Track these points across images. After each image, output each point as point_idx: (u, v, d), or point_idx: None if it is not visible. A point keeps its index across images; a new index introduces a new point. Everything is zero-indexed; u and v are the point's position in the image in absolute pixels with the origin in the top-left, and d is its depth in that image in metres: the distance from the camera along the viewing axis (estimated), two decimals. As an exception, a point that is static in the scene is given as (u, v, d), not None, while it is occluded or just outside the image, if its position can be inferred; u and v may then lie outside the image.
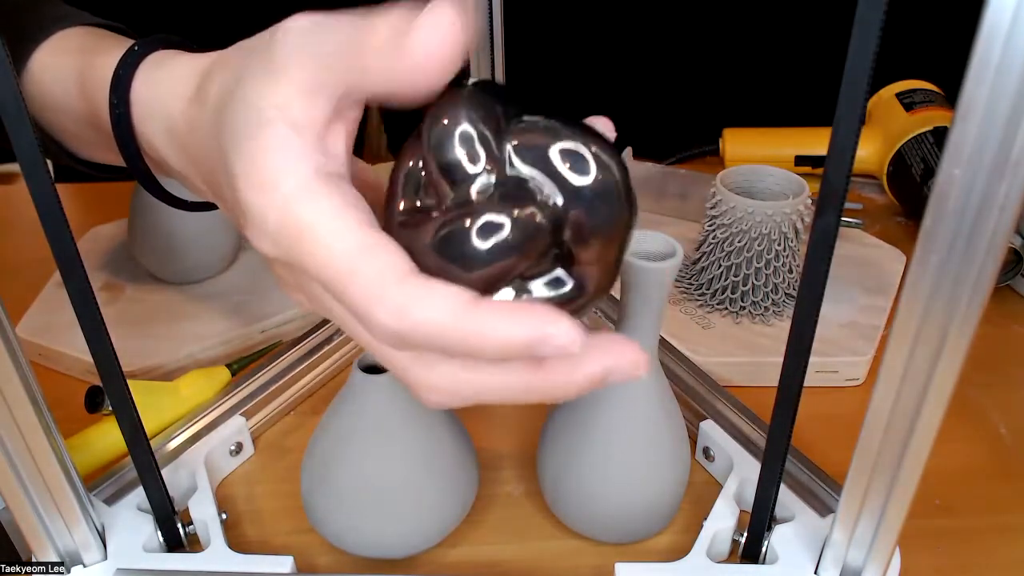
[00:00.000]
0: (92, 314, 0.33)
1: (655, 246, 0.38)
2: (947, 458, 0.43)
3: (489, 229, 0.25)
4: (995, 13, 0.22)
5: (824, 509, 0.41)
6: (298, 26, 0.26)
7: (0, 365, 0.31)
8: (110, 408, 0.37)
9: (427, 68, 0.24)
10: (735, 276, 0.56)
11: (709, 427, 0.47)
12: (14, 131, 0.28)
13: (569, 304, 0.27)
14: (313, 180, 0.25)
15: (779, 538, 0.39)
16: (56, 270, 0.32)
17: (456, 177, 0.25)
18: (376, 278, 0.24)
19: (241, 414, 0.48)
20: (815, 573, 0.37)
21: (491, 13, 0.55)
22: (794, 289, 0.57)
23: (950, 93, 0.77)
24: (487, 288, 0.25)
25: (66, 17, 0.39)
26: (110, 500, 0.41)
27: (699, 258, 0.59)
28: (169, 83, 0.32)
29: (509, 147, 0.26)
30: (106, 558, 0.38)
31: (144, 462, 0.38)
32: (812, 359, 0.32)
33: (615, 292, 0.34)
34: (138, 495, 0.41)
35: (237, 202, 0.27)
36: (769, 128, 0.81)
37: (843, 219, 0.43)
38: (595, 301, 0.27)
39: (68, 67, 0.37)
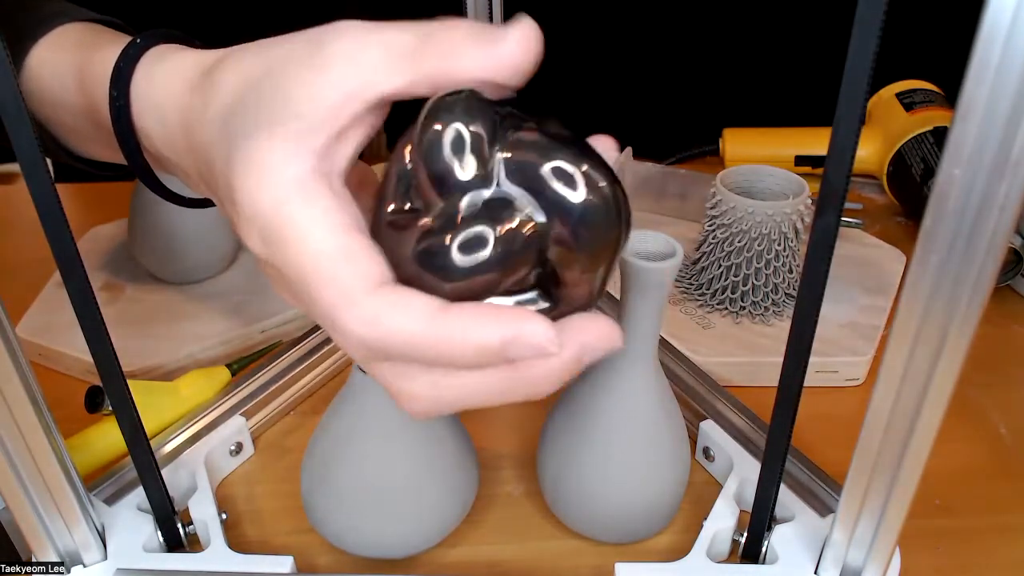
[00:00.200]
0: (92, 314, 0.33)
1: (655, 246, 0.38)
2: (947, 458, 0.43)
3: (472, 244, 0.24)
4: (995, 13, 0.22)
5: (824, 509, 0.41)
6: (353, 26, 0.27)
7: (0, 365, 0.31)
8: (110, 408, 0.37)
9: (524, 51, 0.25)
10: (735, 276, 0.56)
11: (709, 427, 0.47)
12: (14, 131, 0.28)
13: (544, 313, 0.26)
14: (308, 179, 0.25)
15: (779, 538, 0.39)
16: (56, 270, 0.32)
17: (443, 187, 0.25)
18: (350, 284, 0.24)
19: (241, 414, 0.48)
20: (815, 573, 0.37)
21: (491, 13, 0.55)
22: (794, 289, 0.57)
23: (950, 93, 0.77)
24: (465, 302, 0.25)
25: (64, 13, 0.39)
26: (110, 500, 0.41)
27: (699, 258, 0.59)
28: (170, 76, 0.32)
29: (500, 160, 0.25)
30: (106, 558, 0.38)
31: (144, 462, 0.38)
32: (812, 359, 0.32)
33: (615, 292, 0.34)
34: (138, 495, 0.41)
35: (231, 196, 0.26)
36: (769, 128, 0.81)
37: (843, 219, 0.43)
38: (573, 313, 0.27)
39: (67, 62, 0.37)
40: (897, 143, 0.72)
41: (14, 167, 0.32)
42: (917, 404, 0.29)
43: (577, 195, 0.25)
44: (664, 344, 0.53)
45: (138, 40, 0.34)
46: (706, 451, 0.47)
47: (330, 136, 0.26)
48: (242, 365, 0.52)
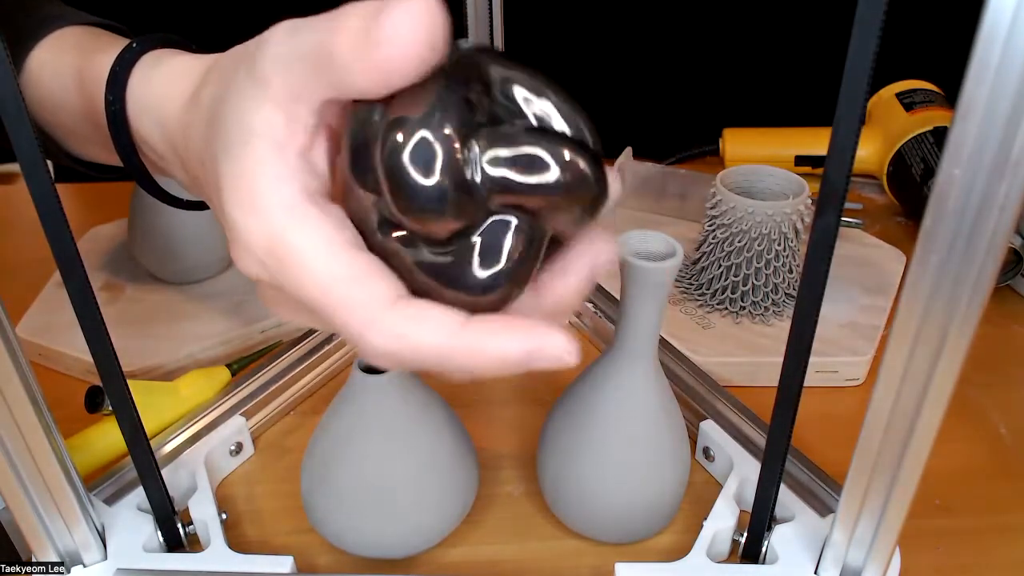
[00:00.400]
0: (92, 314, 0.33)
1: (655, 246, 0.38)
2: (947, 458, 0.43)
3: (472, 252, 0.24)
4: (995, 13, 0.22)
5: (824, 509, 0.41)
6: (278, 33, 0.25)
7: (0, 365, 0.31)
8: (110, 408, 0.37)
9: (401, 59, 0.22)
10: (735, 276, 0.56)
11: (709, 427, 0.47)
12: (14, 131, 0.28)
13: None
14: (300, 203, 0.25)
15: (779, 538, 0.39)
16: (56, 270, 0.32)
17: (415, 203, 0.23)
18: (367, 305, 0.24)
19: (241, 414, 0.48)
20: (815, 573, 0.37)
21: (491, 13, 0.55)
22: (794, 289, 0.57)
23: (950, 93, 0.77)
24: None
25: (65, 16, 0.40)
26: (110, 500, 0.41)
27: (699, 258, 0.59)
28: (165, 82, 0.32)
29: (478, 164, 0.23)
30: (106, 558, 0.38)
31: (144, 462, 0.38)
32: (812, 359, 0.32)
33: (615, 292, 0.34)
34: (138, 495, 0.41)
35: (224, 218, 0.26)
36: (769, 128, 0.81)
37: (843, 219, 0.43)
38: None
39: (67, 64, 0.37)
40: (897, 143, 0.72)
41: (14, 167, 0.32)
42: (917, 404, 0.29)
43: (551, 175, 0.23)
44: (664, 344, 0.53)
45: (134, 44, 0.34)
46: (706, 451, 0.47)
47: (298, 153, 0.25)
48: (242, 365, 0.52)
